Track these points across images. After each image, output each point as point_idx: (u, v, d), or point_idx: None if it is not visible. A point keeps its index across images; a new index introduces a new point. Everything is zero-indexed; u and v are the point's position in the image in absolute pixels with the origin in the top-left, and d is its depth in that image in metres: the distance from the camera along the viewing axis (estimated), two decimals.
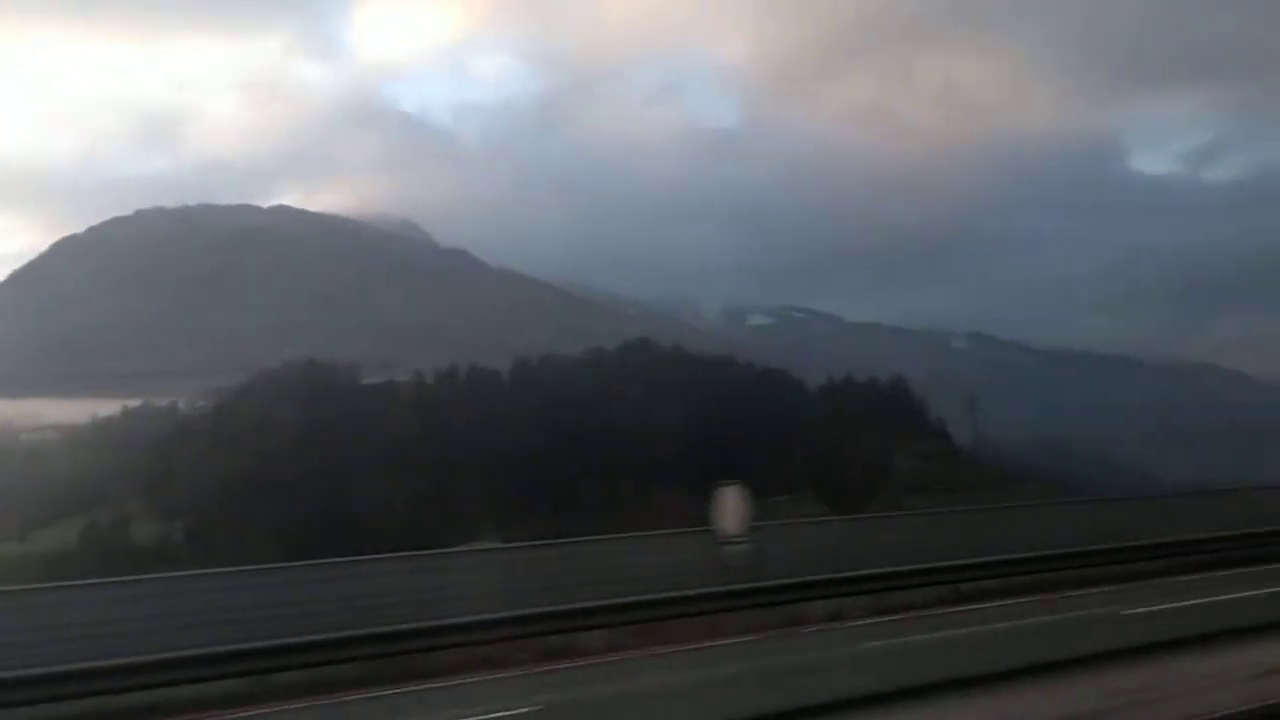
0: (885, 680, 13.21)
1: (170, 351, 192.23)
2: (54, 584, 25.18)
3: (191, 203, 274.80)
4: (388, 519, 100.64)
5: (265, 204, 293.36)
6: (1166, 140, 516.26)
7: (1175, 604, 18.49)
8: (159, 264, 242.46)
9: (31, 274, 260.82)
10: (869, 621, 18.82)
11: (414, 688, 15.33)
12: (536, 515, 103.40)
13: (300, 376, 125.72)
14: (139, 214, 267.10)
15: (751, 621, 18.33)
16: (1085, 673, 13.15)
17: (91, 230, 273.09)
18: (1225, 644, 14.54)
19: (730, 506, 19.83)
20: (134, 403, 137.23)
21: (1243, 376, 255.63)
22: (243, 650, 15.19)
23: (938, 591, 20.80)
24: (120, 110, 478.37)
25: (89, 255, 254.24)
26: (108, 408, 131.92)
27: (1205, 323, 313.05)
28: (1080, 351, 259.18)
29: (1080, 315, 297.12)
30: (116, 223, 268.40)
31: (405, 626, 16.22)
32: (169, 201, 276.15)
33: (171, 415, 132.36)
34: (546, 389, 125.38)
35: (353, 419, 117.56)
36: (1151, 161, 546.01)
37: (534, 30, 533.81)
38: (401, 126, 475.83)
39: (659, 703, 14.02)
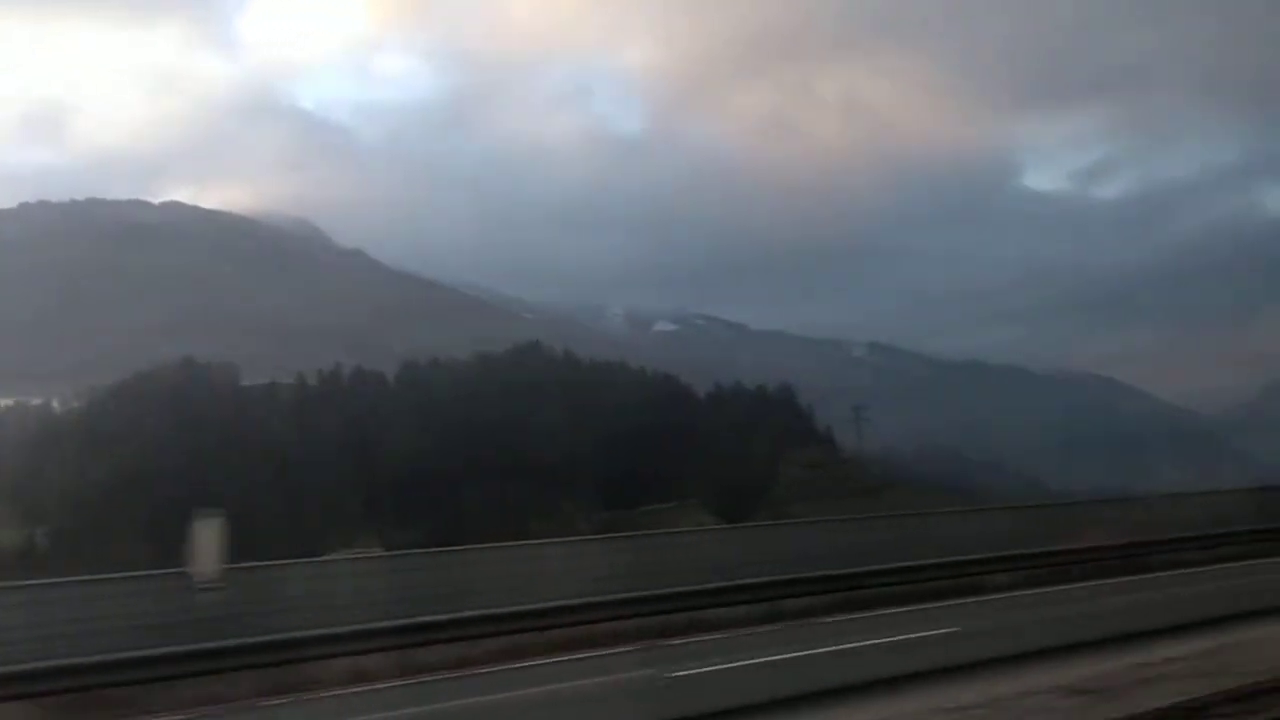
0: None
1: (52, 350, 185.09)
2: None
3: (79, 197, 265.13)
4: (262, 526, 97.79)
5: (156, 200, 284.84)
6: (1058, 158, 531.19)
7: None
8: (43, 260, 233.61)
9: None
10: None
11: None
12: (418, 522, 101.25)
13: (176, 377, 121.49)
14: (23, 207, 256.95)
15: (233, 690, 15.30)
16: None
17: None
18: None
19: (205, 543, 16.25)
20: (7, 402, 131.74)
21: (1127, 388, 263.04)
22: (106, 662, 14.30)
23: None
24: (3, 99, 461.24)
25: None
26: None
27: (1093, 335, 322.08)
28: (975, 361, 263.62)
29: (976, 326, 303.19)
30: None
31: None
32: (55, 195, 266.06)
33: (43, 416, 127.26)
34: (432, 393, 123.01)
35: (229, 422, 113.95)
36: (1044, 178, 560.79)
37: (438, 30, 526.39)
38: (300, 124, 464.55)
39: None
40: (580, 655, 17.47)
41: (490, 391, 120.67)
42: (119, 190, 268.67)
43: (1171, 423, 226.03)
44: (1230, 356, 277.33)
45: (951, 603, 21.68)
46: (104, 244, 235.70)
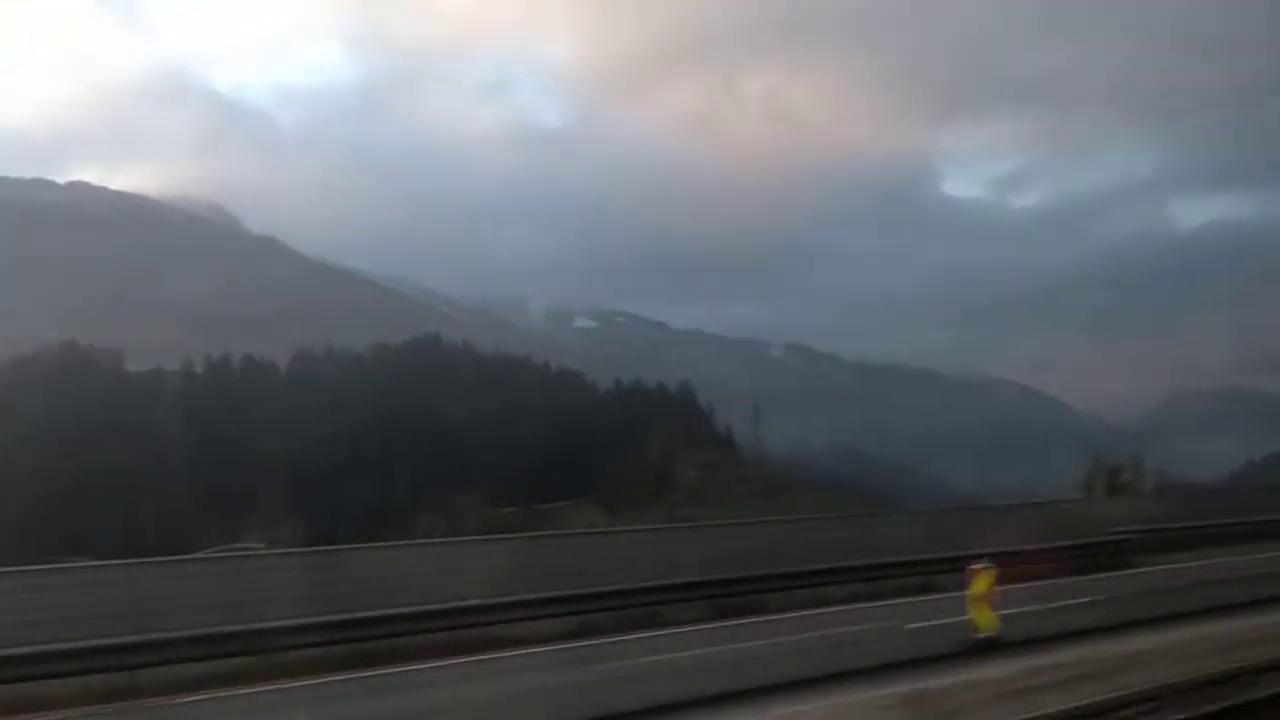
0: None
1: None
2: None
3: None
4: (140, 518, 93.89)
5: (62, 179, 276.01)
6: (976, 166, 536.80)
7: None
8: None
9: None
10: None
11: None
12: (305, 518, 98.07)
13: (55, 362, 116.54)
14: None
15: None
16: None
17: None
18: None
19: None
20: None
21: (1040, 394, 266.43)
22: None
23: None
24: None
25: None
26: None
27: (1008, 342, 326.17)
28: (891, 364, 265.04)
29: (894, 330, 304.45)
30: None
31: None
32: None
33: None
34: (325, 384, 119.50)
35: (108, 409, 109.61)
36: (963, 185, 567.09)
37: (359, 16, 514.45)
38: (216, 107, 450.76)
39: None
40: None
41: (386, 384, 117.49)
42: (21, 169, 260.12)
43: (1082, 429, 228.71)
44: (1140, 366, 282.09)
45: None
46: (4, 224, 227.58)
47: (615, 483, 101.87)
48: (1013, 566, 17.60)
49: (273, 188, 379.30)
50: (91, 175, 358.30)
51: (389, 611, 17.68)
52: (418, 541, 48.69)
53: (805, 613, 20.45)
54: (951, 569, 19.34)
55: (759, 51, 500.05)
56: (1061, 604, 19.59)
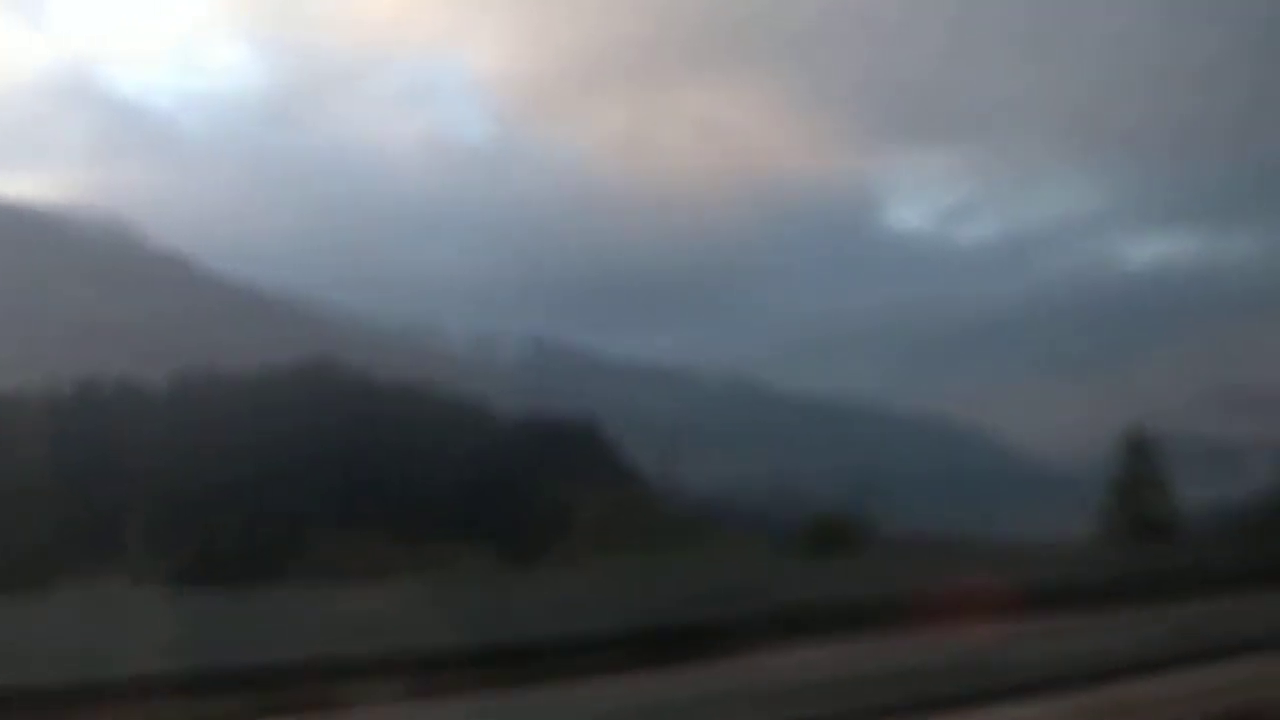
0: None
1: None
2: None
3: None
4: None
5: None
6: (920, 196, 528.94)
7: None
8: None
9: None
10: None
11: None
12: (170, 555, 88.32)
13: None
14: None
15: None
16: None
17: None
18: None
19: None
20: None
21: (983, 432, 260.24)
22: None
23: None
24: None
25: None
26: None
27: (951, 378, 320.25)
28: (832, 398, 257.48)
29: (833, 363, 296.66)
30: None
31: None
32: None
33: None
34: (204, 409, 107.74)
35: None
36: (906, 216, 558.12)
37: (270, 19, 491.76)
38: (116, 111, 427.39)
39: None
40: None
41: (270, 410, 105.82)
42: None
43: (1026, 470, 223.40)
44: (1088, 405, 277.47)
45: None
46: None
47: (508, 523, 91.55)
48: None
49: (176, 197, 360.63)
50: None
51: None
52: None
53: None
54: None
55: (694, 70, 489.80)
56: None
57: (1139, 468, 61.35)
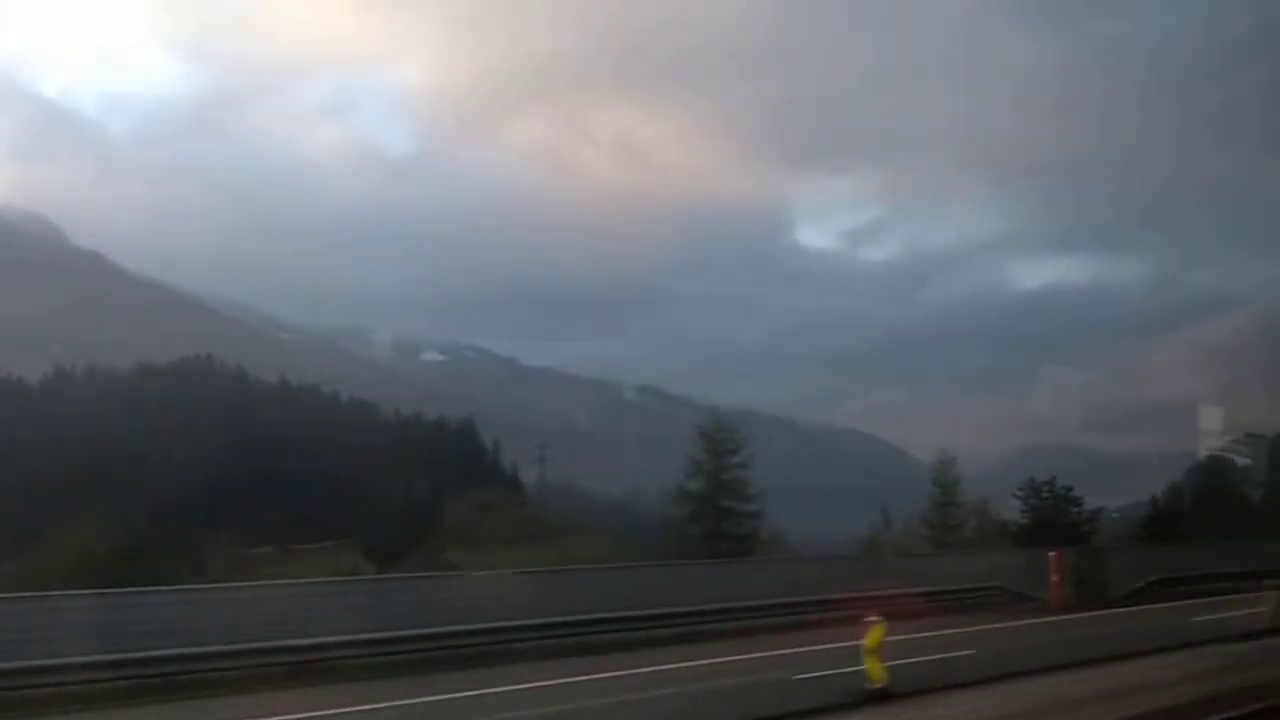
0: None
1: None
2: None
3: None
4: None
5: None
6: (830, 217, 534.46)
7: None
8: None
9: None
10: None
11: None
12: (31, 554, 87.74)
13: None
14: None
15: None
16: None
17: None
18: None
19: None
20: None
21: (889, 445, 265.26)
22: None
23: None
24: None
25: None
26: None
27: (859, 392, 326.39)
28: (744, 410, 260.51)
29: (747, 376, 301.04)
30: None
31: None
32: None
33: None
34: (79, 406, 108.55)
35: None
36: (816, 236, 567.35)
37: (195, 26, 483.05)
38: (40, 112, 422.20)
39: None
40: None
41: (147, 408, 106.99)
42: None
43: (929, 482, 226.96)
44: (986, 422, 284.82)
45: None
46: None
47: (377, 523, 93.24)
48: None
49: (100, 200, 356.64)
50: None
51: None
52: None
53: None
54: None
55: (614, 89, 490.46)
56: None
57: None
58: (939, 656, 20.08)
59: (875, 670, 16.38)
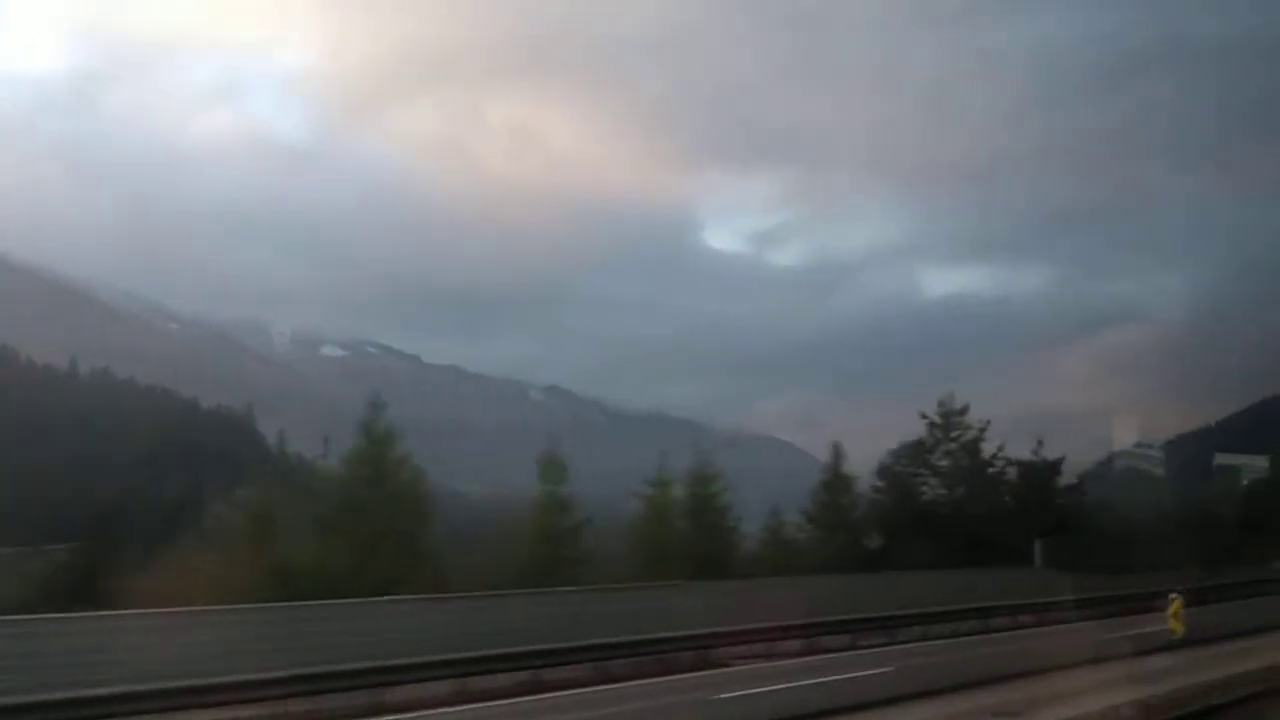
0: None
1: None
2: None
3: None
4: None
5: None
6: (738, 218, 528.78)
7: None
8: None
9: None
10: None
11: None
12: None
13: None
14: None
15: None
16: None
17: None
18: None
19: None
20: None
21: (798, 450, 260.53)
22: None
23: None
24: None
25: None
26: None
27: (768, 397, 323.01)
28: (654, 413, 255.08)
29: (655, 378, 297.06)
30: None
31: None
32: None
33: None
34: None
35: None
36: (724, 238, 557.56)
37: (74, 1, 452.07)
38: None
39: None
40: None
41: None
42: None
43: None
44: (896, 428, 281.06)
45: None
46: None
47: (129, 520, 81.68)
48: None
49: None
50: None
51: None
52: None
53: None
54: None
55: (505, 78, 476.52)
56: None
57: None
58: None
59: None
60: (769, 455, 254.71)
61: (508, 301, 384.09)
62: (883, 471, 47.80)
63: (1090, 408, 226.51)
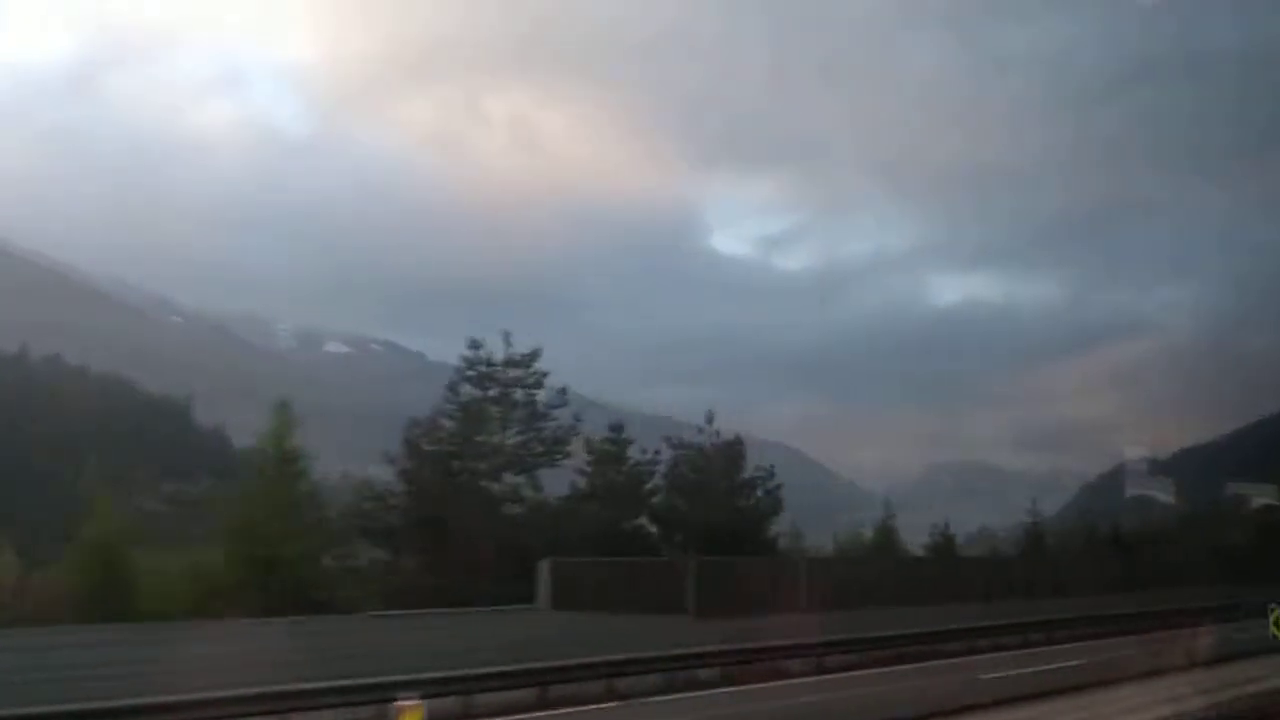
0: None
1: None
2: None
3: None
4: None
5: None
6: (744, 222, 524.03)
7: None
8: None
9: None
10: None
11: None
12: None
13: None
14: None
15: None
16: None
17: None
18: None
19: None
20: None
21: (805, 456, 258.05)
22: None
23: None
24: None
25: None
26: None
27: (773, 402, 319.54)
28: (659, 418, 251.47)
29: (658, 382, 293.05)
30: None
31: None
32: None
33: None
34: None
35: None
36: (730, 241, 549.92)
37: None
38: None
39: None
40: None
41: None
42: None
43: (844, 495, 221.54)
44: (899, 436, 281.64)
45: None
46: None
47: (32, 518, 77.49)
48: None
49: None
50: None
51: None
52: None
53: None
54: None
55: (505, 74, 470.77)
56: None
57: None
58: None
59: None
60: (777, 462, 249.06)
61: (512, 299, 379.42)
62: None
63: (1097, 420, 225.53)
